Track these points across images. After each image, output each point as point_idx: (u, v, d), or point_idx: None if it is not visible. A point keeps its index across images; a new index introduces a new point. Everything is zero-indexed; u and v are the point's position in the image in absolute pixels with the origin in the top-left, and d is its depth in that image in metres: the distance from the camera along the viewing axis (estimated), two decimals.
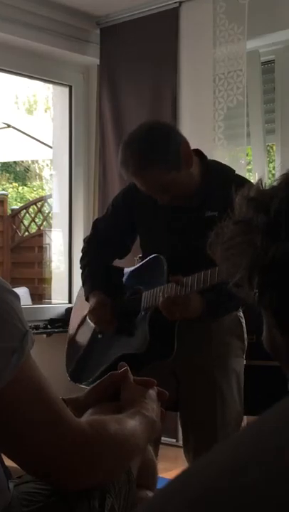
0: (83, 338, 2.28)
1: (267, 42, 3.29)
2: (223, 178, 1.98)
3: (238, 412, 2.05)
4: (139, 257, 2.27)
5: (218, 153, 3.19)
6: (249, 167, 3.41)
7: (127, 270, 2.24)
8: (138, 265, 2.22)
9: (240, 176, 2.14)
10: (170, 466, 2.07)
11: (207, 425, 1.97)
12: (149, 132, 1.92)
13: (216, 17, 3.23)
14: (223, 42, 3.22)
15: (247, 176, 3.24)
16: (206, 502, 0.33)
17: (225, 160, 3.19)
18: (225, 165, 2.17)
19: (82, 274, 2.24)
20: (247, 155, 3.32)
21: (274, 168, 3.52)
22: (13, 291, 0.86)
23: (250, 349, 2.72)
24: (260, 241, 0.64)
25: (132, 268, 2.23)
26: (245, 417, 3.06)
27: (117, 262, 2.31)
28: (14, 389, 0.82)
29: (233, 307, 2.01)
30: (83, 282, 2.23)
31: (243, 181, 2.03)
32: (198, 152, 2.06)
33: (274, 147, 3.48)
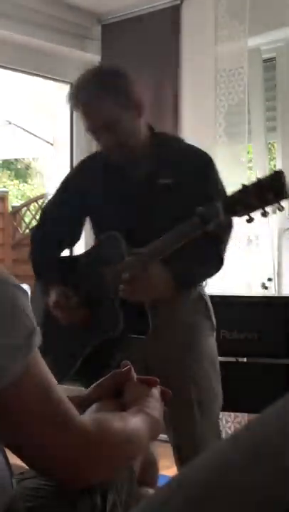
0: (50, 332, 2.18)
1: (268, 39, 3.29)
2: (173, 146, 1.99)
3: (216, 395, 1.99)
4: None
5: (219, 150, 3.19)
6: (250, 165, 3.40)
7: (80, 255, 2.14)
8: (92, 247, 2.11)
9: (189, 144, 2.07)
10: (171, 464, 2.08)
11: (184, 416, 1.92)
12: (108, 66, 1.98)
13: (217, 14, 3.23)
14: (224, 39, 3.21)
15: (248, 174, 3.23)
16: (206, 500, 0.33)
17: (226, 158, 3.19)
18: (173, 135, 2.14)
19: (33, 269, 2.10)
20: (248, 153, 3.32)
21: (275, 166, 3.51)
22: (21, 287, 0.85)
23: (250, 347, 2.73)
24: None
25: (86, 252, 2.12)
26: (246, 415, 3.07)
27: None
28: (20, 386, 0.82)
29: (209, 269, 1.95)
30: (37, 278, 2.10)
31: (195, 150, 2.01)
32: (148, 124, 2.05)
33: (275, 145, 3.48)
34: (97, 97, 1.87)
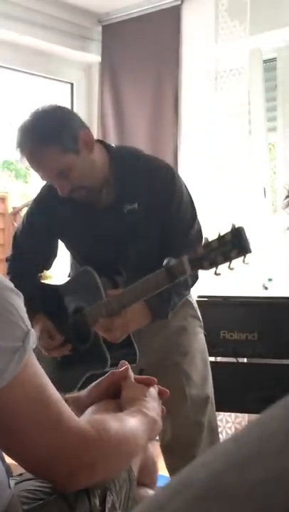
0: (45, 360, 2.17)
1: (269, 39, 3.29)
2: (133, 166, 1.92)
3: (207, 390, 2.04)
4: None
5: (219, 151, 3.18)
6: (250, 165, 3.39)
7: (59, 287, 2.13)
8: (70, 279, 2.13)
9: (149, 159, 2.00)
10: None
11: (180, 413, 1.96)
12: (45, 113, 1.84)
13: (218, 14, 3.23)
14: (225, 39, 3.21)
15: (248, 174, 3.23)
16: (206, 501, 0.33)
17: (226, 158, 3.18)
18: (131, 149, 2.02)
19: None
20: (249, 153, 3.31)
21: (275, 166, 3.51)
22: (16, 289, 0.86)
23: (250, 347, 2.72)
24: None
25: (64, 283, 2.13)
26: (246, 416, 3.07)
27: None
28: (16, 388, 0.81)
29: (181, 296, 1.96)
30: None
31: (156, 166, 1.94)
32: (102, 142, 1.98)
33: (275, 145, 3.48)
34: (42, 150, 1.80)
